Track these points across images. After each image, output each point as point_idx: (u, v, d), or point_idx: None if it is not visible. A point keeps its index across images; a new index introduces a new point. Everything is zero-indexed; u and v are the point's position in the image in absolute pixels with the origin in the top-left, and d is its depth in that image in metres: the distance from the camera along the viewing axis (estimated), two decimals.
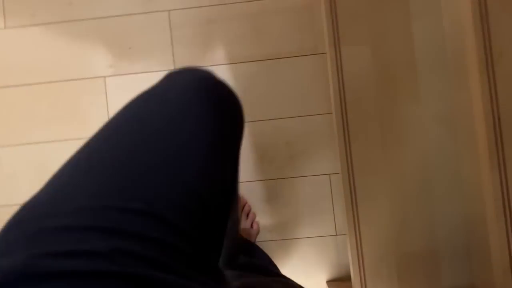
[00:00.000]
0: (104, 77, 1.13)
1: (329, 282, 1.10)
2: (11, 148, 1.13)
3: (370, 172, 0.89)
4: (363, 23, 0.90)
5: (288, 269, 1.08)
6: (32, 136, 1.13)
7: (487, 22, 0.70)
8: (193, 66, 0.48)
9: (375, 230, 0.89)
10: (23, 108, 1.13)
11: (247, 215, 1.08)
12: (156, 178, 0.33)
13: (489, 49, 0.70)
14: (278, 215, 1.09)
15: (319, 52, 1.09)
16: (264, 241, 1.09)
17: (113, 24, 1.13)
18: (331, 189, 1.08)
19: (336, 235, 1.08)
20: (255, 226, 1.06)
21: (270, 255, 1.08)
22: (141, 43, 1.13)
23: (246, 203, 1.09)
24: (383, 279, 0.89)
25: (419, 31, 0.88)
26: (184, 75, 0.45)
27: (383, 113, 0.89)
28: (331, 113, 0.95)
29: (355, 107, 0.89)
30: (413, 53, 0.89)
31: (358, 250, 0.89)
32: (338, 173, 0.90)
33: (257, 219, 1.09)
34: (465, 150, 0.84)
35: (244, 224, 1.07)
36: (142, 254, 0.28)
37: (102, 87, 1.13)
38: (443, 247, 0.88)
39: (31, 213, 0.30)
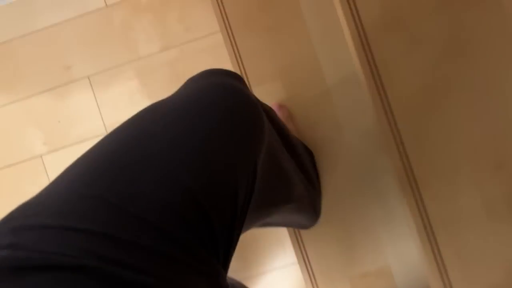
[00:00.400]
0: (41, 155, 1.13)
1: None
2: None
3: None
4: (268, 60, 0.90)
5: None
6: None
7: (369, 48, 0.70)
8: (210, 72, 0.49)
9: (324, 258, 0.90)
10: None
11: None
12: (146, 181, 0.33)
13: (376, 74, 0.70)
14: (237, 252, 1.10)
15: None
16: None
17: (38, 102, 1.13)
18: None
19: None
20: None
21: None
22: (69, 115, 1.12)
23: None
24: None
25: (324, 55, 0.88)
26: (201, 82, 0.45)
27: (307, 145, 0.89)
28: None
29: None
30: (323, 78, 0.89)
31: (312, 280, 0.90)
32: None
33: None
34: (390, 165, 0.85)
35: None
36: (113, 255, 0.29)
37: (41, 165, 1.13)
38: (394, 262, 0.89)
39: (21, 212, 0.32)
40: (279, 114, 0.90)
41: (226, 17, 0.91)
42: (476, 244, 0.69)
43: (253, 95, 0.46)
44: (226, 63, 1.08)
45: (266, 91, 0.90)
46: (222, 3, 0.91)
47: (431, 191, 0.70)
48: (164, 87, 1.11)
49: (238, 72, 0.91)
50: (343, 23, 0.71)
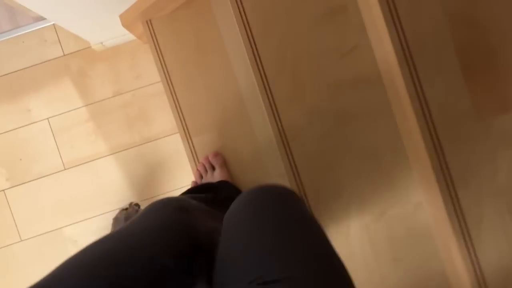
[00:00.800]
0: (3, 190, 1.24)
1: None
2: None
3: None
4: (206, 114, 1.04)
5: None
6: None
7: (279, 117, 0.85)
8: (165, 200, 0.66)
9: None
10: None
11: None
12: (129, 263, 0.49)
13: (285, 139, 0.86)
14: None
15: None
16: None
17: (1, 141, 1.23)
18: None
19: None
20: None
21: None
22: (29, 153, 1.24)
23: None
24: None
25: (253, 111, 1.03)
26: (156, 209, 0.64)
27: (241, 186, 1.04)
28: None
29: None
30: (252, 130, 1.04)
31: None
32: None
33: None
34: None
35: None
36: None
37: (4, 200, 1.23)
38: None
39: None
40: (214, 161, 1.05)
41: (169, 75, 1.05)
42: (365, 277, 0.86)
43: (189, 220, 0.63)
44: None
45: (203, 141, 1.04)
46: (165, 64, 1.05)
47: (328, 232, 0.86)
48: (117, 128, 1.24)
49: (181, 125, 1.05)
50: (258, 97, 0.86)
